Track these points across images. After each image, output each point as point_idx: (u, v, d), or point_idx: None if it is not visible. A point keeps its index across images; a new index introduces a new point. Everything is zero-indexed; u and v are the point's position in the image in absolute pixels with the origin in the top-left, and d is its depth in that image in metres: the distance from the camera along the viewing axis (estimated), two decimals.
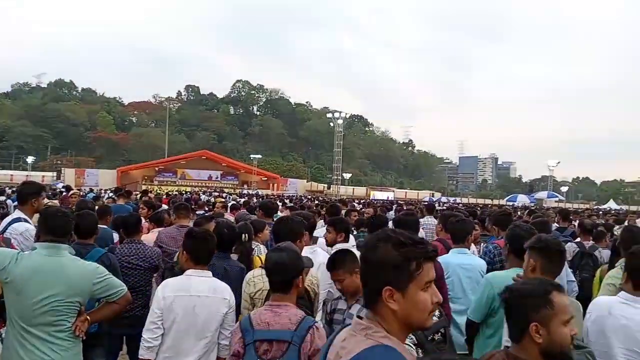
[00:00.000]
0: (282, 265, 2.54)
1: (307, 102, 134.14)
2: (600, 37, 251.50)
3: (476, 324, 3.47)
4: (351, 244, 5.44)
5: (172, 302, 2.97)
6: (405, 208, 15.29)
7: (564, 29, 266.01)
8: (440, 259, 4.12)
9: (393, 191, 77.47)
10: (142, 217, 5.63)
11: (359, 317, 1.57)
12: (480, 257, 5.16)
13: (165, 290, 3.02)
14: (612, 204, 57.63)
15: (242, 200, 19.11)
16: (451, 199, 61.95)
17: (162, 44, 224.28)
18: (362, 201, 29.16)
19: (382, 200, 44.58)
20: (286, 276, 2.54)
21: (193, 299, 2.99)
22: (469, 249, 4.46)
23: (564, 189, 76.25)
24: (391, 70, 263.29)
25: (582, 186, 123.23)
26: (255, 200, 19.13)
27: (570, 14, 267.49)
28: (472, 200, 69.40)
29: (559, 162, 59.13)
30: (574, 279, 4.90)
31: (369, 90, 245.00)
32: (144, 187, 34.98)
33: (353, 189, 74.94)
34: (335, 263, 3.09)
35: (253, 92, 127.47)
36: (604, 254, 5.53)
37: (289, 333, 2.40)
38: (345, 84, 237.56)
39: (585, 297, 4.38)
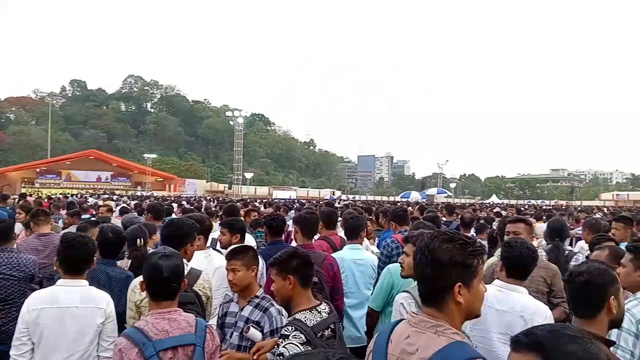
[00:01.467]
0: (162, 272, 2.41)
1: (205, 100, 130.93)
2: (485, 41, 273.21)
3: (377, 312, 3.59)
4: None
5: (38, 315, 2.75)
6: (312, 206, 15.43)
7: (449, 34, 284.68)
8: (335, 255, 4.20)
9: (295, 190, 78.15)
10: (18, 223, 5.10)
11: (414, 313, 1.73)
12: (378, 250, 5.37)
13: (31, 303, 2.80)
14: (494, 199, 63.17)
15: (134, 202, 18.04)
16: (350, 197, 64.00)
17: (43, 34, 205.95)
18: (263, 201, 29.04)
19: (283, 199, 44.79)
20: (170, 284, 2.41)
21: (62, 310, 2.79)
22: (362, 245, 4.58)
23: (453, 185, 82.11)
24: (291, 69, 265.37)
25: (468, 182, 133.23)
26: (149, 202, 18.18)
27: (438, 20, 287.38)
28: (370, 198, 72.08)
29: (447, 160, 63.57)
30: None
31: (270, 89, 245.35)
32: (22, 190, 31.96)
33: (255, 188, 74.40)
34: (236, 252, 3.05)
35: (147, 88, 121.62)
36: (483, 244, 5.98)
37: (192, 336, 2.35)
38: (246, 82, 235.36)
39: None
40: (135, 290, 3.13)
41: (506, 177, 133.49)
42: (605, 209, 29.84)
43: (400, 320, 1.83)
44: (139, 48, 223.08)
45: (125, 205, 13.80)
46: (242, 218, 6.32)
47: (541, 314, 2.75)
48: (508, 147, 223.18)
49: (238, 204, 14.43)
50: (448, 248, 1.65)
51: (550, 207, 32.07)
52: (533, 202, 61.73)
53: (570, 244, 7.10)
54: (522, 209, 21.88)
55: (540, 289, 3.05)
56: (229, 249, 3.23)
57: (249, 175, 73.82)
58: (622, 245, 3.83)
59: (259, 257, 4.16)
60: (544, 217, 11.03)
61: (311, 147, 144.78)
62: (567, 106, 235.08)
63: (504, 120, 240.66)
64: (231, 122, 56.36)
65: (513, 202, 61.21)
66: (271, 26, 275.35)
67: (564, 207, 31.82)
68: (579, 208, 29.87)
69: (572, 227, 9.02)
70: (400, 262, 3.06)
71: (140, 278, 3.29)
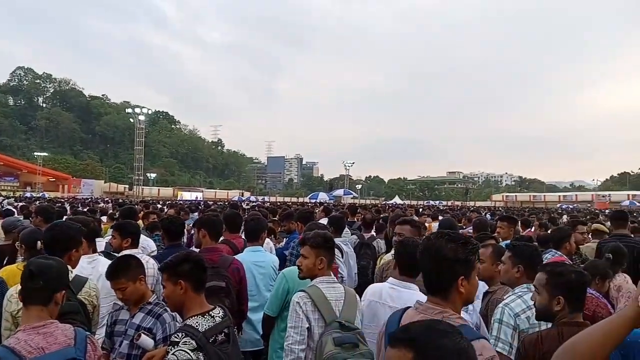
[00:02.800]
0: (29, 269, 2.21)
1: (103, 95, 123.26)
2: (388, 48, 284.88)
3: (272, 318, 3.55)
4: (150, 250, 5.10)
5: None
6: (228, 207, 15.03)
7: (358, 39, 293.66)
8: (236, 258, 4.12)
9: (202, 191, 76.20)
10: None
11: (419, 303, 1.98)
12: (283, 251, 5.35)
13: None
14: (397, 200, 66.01)
15: (20, 204, 16.45)
16: (260, 198, 63.62)
17: None
18: (167, 202, 27.95)
19: (189, 201, 43.43)
20: (36, 281, 2.20)
21: None
22: (263, 246, 4.54)
23: (359, 186, 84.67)
24: (199, 67, 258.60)
25: (373, 184, 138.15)
26: (38, 204, 16.70)
27: (364, 25, 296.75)
28: (280, 199, 72.23)
29: (353, 163, 65.34)
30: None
31: (176, 86, 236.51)
32: None
33: (159, 189, 71.49)
34: (118, 270, 2.87)
35: (38, 81, 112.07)
36: (381, 243, 6.21)
37: (71, 350, 2.17)
38: (149, 78, 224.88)
39: (364, 282, 4.87)
40: (12, 300, 2.84)
41: (408, 179, 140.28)
42: (495, 209, 32.31)
43: (407, 307, 2.06)
44: (29, 39, 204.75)
45: (10, 207, 12.55)
46: (138, 221, 6.00)
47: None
48: (410, 151, 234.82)
49: (138, 206, 13.77)
50: (452, 247, 1.91)
51: (446, 208, 34.17)
52: (431, 202, 65.46)
53: None
54: (421, 209, 23.08)
55: (423, 289, 3.20)
56: (109, 265, 3.01)
57: (152, 176, 70.77)
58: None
59: (153, 261, 4.01)
60: (440, 217, 11.68)
61: (219, 147, 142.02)
62: (462, 113, 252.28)
63: (407, 124, 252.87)
64: (132, 120, 53.40)
65: (414, 202, 64.60)
66: (176, 17, 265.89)
67: (459, 208, 34.03)
68: (472, 208, 32.16)
69: (464, 226, 9.65)
70: (298, 265, 3.06)
71: (18, 286, 3.00)
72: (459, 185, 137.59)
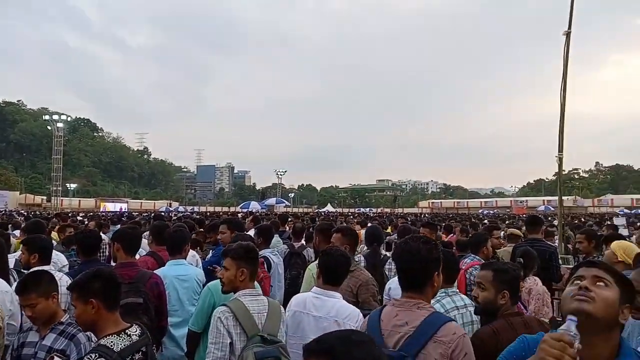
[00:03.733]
0: None
1: (19, 101, 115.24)
2: (317, 56, 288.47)
3: (197, 333, 3.42)
4: (60, 265, 4.78)
5: None
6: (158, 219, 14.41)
7: (287, 47, 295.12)
8: (156, 272, 3.96)
9: (127, 202, 73.01)
10: None
11: (397, 299, 2.25)
12: (208, 263, 5.20)
13: None
14: (329, 207, 66.71)
15: None
16: (189, 208, 61.88)
17: None
18: (89, 214, 26.54)
19: (113, 212, 41.39)
20: None
21: None
22: (186, 259, 4.39)
23: (292, 195, 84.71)
24: (122, 72, 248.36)
25: (306, 192, 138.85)
26: None
27: (293, 34, 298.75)
28: (210, 209, 70.65)
29: (285, 171, 65.43)
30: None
31: (97, 92, 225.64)
32: None
33: (79, 200, 67.64)
34: (28, 284, 2.69)
35: None
36: (311, 252, 6.22)
37: None
38: (68, 83, 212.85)
39: (295, 292, 4.85)
40: None
41: (339, 187, 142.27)
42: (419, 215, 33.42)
43: (384, 305, 2.35)
44: None
45: None
46: (47, 235, 5.62)
47: (353, 318, 2.90)
48: (341, 159, 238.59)
49: (55, 218, 12.93)
50: (428, 248, 2.22)
51: (375, 215, 34.95)
52: (362, 209, 66.79)
53: (390, 249, 7.76)
54: (352, 216, 23.49)
55: (346, 298, 3.22)
56: (20, 280, 2.80)
57: (72, 186, 66.92)
58: None
59: (66, 277, 3.75)
60: (369, 224, 11.92)
61: (145, 156, 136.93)
62: (390, 122, 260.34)
63: (338, 133, 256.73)
64: (49, 127, 50.27)
65: (345, 210, 65.60)
66: (96, 19, 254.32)
67: (387, 214, 34.91)
68: (400, 215, 33.13)
69: (391, 232, 9.90)
70: (220, 277, 2.98)
71: None
72: (388, 192, 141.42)
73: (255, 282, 3.17)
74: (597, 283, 1.59)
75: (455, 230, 10.06)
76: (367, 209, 70.84)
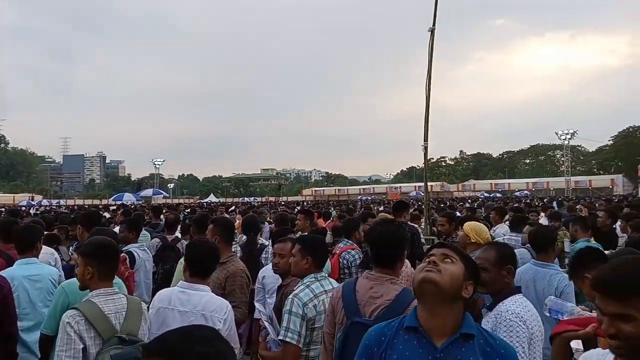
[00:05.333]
0: None
1: None
2: (198, 43, 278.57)
3: (51, 337, 3.11)
4: None
5: None
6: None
7: (166, 32, 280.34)
8: (3, 273, 3.55)
9: None
10: None
11: (370, 274, 2.54)
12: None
13: None
14: (212, 197, 65.20)
15: None
16: (54, 202, 56.54)
17: None
18: None
19: None
20: None
21: None
22: (38, 257, 3.98)
23: (171, 185, 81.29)
24: None
25: (187, 182, 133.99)
26: None
27: (172, 19, 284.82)
28: (79, 202, 65.18)
29: (164, 161, 62.59)
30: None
31: None
32: None
33: None
34: None
35: None
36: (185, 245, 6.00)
37: None
38: None
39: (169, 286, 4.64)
40: None
41: (223, 177, 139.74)
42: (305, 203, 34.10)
43: (358, 277, 2.67)
44: None
45: None
46: None
47: (221, 311, 2.84)
48: (224, 149, 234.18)
49: None
50: (400, 229, 2.66)
51: (260, 204, 34.98)
52: (246, 199, 66.32)
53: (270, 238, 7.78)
54: (236, 206, 23.19)
55: (215, 290, 3.15)
56: None
57: None
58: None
59: None
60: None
61: (3, 145, 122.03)
62: (273, 112, 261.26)
63: (220, 122, 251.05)
64: None
65: (229, 200, 64.64)
66: None
67: (273, 203, 35.10)
68: (283, 203, 33.49)
69: (271, 221, 9.92)
70: (76, 275, 2.72)
71: None
72: (273, 181, 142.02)
73: (118, 280, 2.95)
74: (445, 259, 1.77)
75: (332, 217, 10.41)
76: (252, 198, 70.52)
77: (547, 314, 2.48)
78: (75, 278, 3.27)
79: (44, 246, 4.60)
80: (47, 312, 3.26)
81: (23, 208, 31.10)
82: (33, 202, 49.63)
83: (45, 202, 52.39)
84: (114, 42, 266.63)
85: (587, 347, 1.98)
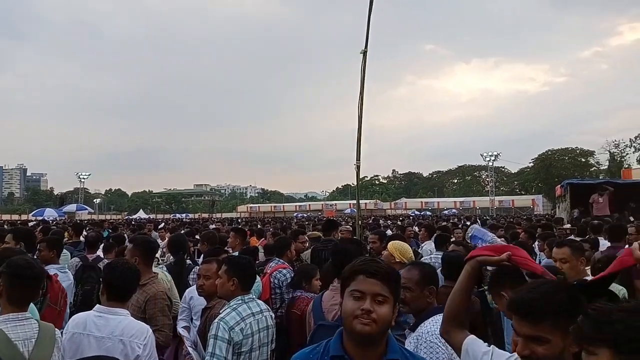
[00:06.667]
0: None
1: None
2: (126, 51, 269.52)
3: None
4: None
5: None
6: None
7: (92, 39, 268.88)
8: None
9: None
10: None
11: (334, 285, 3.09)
12: None
13: None
14: (142, 214, 62.69)
15: None
16: None
17: None
18: None
19: None
20: None
21: None
22: None
23: (97, 200, 77.42)
24: None
25: (114, 197, 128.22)
26: None
27: (103, 27, 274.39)
28: None
29: (90, 174, 59.61)
30: None
31: None
32: None
33: None
34: None
35: None
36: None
37: None
38: None
39: (90, 308, 4.36)
40: None
41: (153, 192, 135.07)
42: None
43: (325, 290, 3.28)
44: None
45: None
46: None
47: (141, 336, 2.70)
48: (155, 163, 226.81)
49: None
50: (357, 247, 3.40)
51: (192, 220, 34.04)
52: (177, 215, 64.34)
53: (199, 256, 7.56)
54: (165, 223, 22.41)
55: (135, 314, 2.99)
56: None
57: None
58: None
59: None
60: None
61: None
62: (207, 127, 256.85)
63: (151, 135, 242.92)
64: None
65: (160, 216, 62.40)
66: None
67: (204, 220, 34.24)
68: (216, 220, 32.77)
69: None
70: None
71: None
72: (206, 197, 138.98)
73: (31, 305, 2.74)
74: (377, 299, 1.70)
75: (266, 235, 10.29)
76: (184, 215, 68.51)
77: (469, 241, 2.54)
78: None
79: None
80: None
81: None
82: None
83: None
84: (36, 48, 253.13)
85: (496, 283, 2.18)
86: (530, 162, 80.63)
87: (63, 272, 4.86)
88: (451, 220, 22.12)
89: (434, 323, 2.42)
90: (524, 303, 1.54)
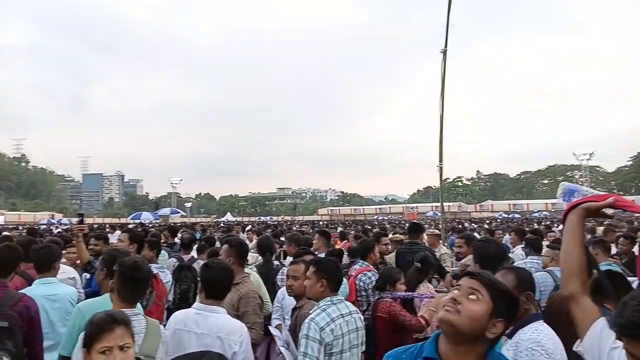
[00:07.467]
0: None
1: None
2: (213, 64, 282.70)
3: (69, 358, 3.14)
4: None
5: None
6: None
7: (180, 52, 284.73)
8: (23, 292, 3.60)
9: (3, 214, 65.97)
10: None
11: None
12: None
13: None
14: (229, 216, 65.50)
15: None
16: (74, 220, 57.35)
17: None
18: None
19: None
20: None
21: None
22: (55, 277, 4.04)
23: (188, 204, 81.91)
24: None
25: (204, 201, 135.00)
26: None
27: (188, 39, 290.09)
28: (99, 220, 66.02)
29: (181, 180, 63.22)
30: None
31: None
32: None
33: None
34: None
35: None
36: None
37: None
38: None
39: (187, 307, 4.64)
40: None
41: (239, 196, 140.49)
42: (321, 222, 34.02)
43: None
44: None
45: None
46: None
47: (236, 333, 2.83)
48: (240, 168, 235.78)
49: None
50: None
51: (276, 222, 35.00)
52: (262, 218, 66.47)
53: (284, 258, 7.76)
54: (252, 225, 23.23)
55: (229, 312, 3.14)
56: None
57: None
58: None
59: None
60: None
61: (23, 164, 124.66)
62: (288, 132, 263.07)
63: (236, 141, 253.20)
64: None
65: (246, 219, 64.86)
66: None
67: (288, 223, 35.05)
68: (300, 222, 33.46)
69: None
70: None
71: None
72: (289, 200, 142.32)
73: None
74: (470, 296, 1.63)
75: (348, 237, 10.35)
76: (268, 218, 70.63)
77: (561, 200, 2.37)
78: (93, 299, 3.32)
79: (63, 266, 4.68)
80: (65, 334, 3.29)
81: (43, 226, 31.60)
82: (53, 221, 50.36)
83: (65, 220, 53.14)
84: (129, 62, 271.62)
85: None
86: (629, 160, 74.34)
87: (162, 272, 5.21)
88: (543, 223, 20.93)
89: (534, 330, 2.29)
90: (633, 326, 1.39)
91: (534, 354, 2.20)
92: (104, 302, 2.91)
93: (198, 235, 10.63)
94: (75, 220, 5.10)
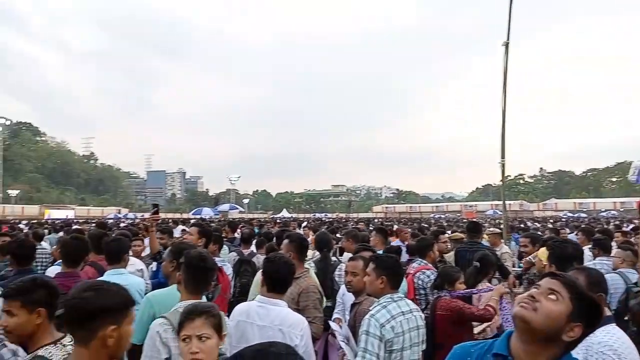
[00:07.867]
0: None
1: None
2: (268, 64, 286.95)
3: (138, 346, 3.31)
4: None
5: None
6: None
7: (237, 53, 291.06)
8: None
9: (73, 209, 70.21)
10: None
11: None
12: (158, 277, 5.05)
13: None
14: (285, 213, 66.46)
15: None
16: (139, 215, 60.14)
17: None
18: (32, 222, 25.33)
19: (59, 219, 39.69)
20: None
21: None
22: (125, 268, 4.26)
23: (246, 201, 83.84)
24: (64, 74, 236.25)
25: (261, 197, 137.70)
26: None
27: (243, 39, 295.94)
28: (162, 215, 68.75)
29: (239, 177, 64.74)
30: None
31: (39, 95, 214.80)
32: None
33: (23, 207, 64.43)
34: None
35: None
36: (262, 259, 6.15)
37: None
38: (7, 86, 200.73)
39: (245, 300, 4.79)
40: None
41: (295, 193, 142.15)
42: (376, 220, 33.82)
43: None
44: None
45: None
46: None
47: (298, 326, 2.88)
48: (296, 165, 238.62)
49: None
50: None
51: (332, 219, 35.13)
52: (317, 215, 66.95)
53: (341, 254, 7.79)
54: (308, 222, 23.47)
55: (289, 305, 3.19)
56: None
57: (14, 193, 63.84)
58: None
59: None
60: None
61: (92, 161, 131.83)
62: (342, 129, 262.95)
63: (291, 139, 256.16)
64: None
65: (301, 215, 65.59)
66: (33, 19, 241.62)
67: (344, 220, 35.11)
68: (355, 220, 33.43)
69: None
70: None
71: None
72: (343, 197, 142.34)
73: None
74: (549, 295, 1.59)
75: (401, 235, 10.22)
76: (323, 214, 71.05)
77: (635, 178, 2.18)
78: (161, 289, 3.48)
79: (132, 258, 4.94)
80: (135, 323, 3.46)
81: (111, 220, 33.38)
82: (120, 215, 53.03)
83: (130, 215, 55.83)
84: (189, 63, 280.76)
85: None
86: None
87: (224, 265, 5.38)
88: (612, 223, 19.81)
89: (605, 333, 2.19)
90: None
91: (605, 358, 2.11)
92: (172, 293, 3.04)
93: (256, 231, 10.88)
94: (150, 211, 5.38)
